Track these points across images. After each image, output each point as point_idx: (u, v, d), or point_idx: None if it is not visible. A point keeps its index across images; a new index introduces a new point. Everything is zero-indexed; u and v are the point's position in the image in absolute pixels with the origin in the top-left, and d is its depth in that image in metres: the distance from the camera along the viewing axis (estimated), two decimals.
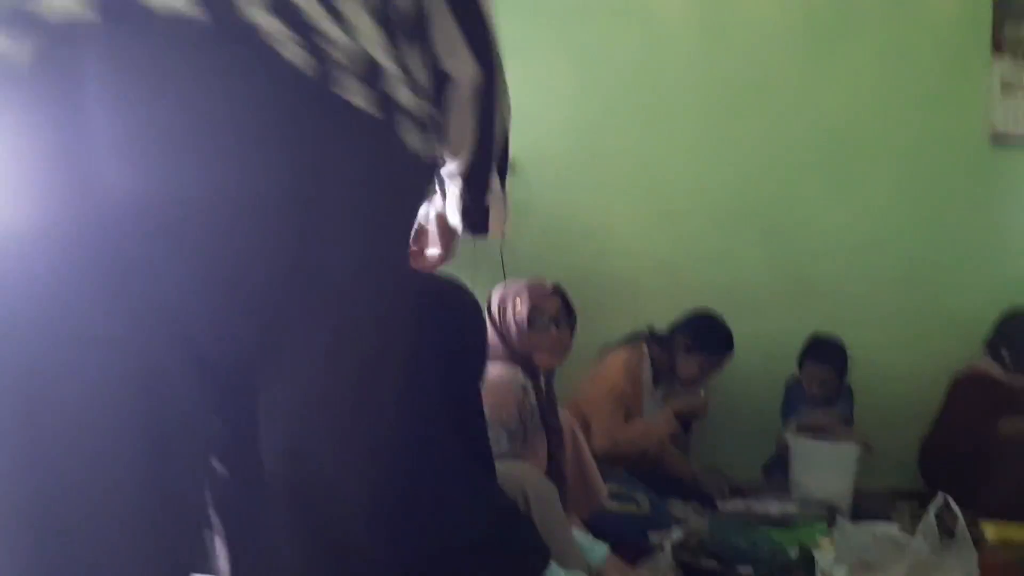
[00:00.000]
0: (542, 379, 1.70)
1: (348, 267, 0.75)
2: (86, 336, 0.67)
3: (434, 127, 0.90)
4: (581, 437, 1.79)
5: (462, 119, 0.99)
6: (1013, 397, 2.70)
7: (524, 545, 1.18)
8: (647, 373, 2.59)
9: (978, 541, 1.96)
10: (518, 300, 1.79)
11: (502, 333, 1.73)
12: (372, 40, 0.74)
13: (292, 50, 0.67)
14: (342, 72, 0.71)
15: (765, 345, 3.18)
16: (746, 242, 3.32)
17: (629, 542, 1.91)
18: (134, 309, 0.68)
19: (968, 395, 2.79)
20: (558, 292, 1.88)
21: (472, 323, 1.30)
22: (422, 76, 0.88)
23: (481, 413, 1.22)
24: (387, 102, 0.75)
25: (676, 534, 1.97)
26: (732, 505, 2.42)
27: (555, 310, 1.84)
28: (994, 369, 2.81)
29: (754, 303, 3.28)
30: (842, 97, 3.30)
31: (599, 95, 3.43)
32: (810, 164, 3.31)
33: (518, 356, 1.64)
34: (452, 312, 1.26)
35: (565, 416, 1.75)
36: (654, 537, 2.01)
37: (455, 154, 1.01)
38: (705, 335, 2.66)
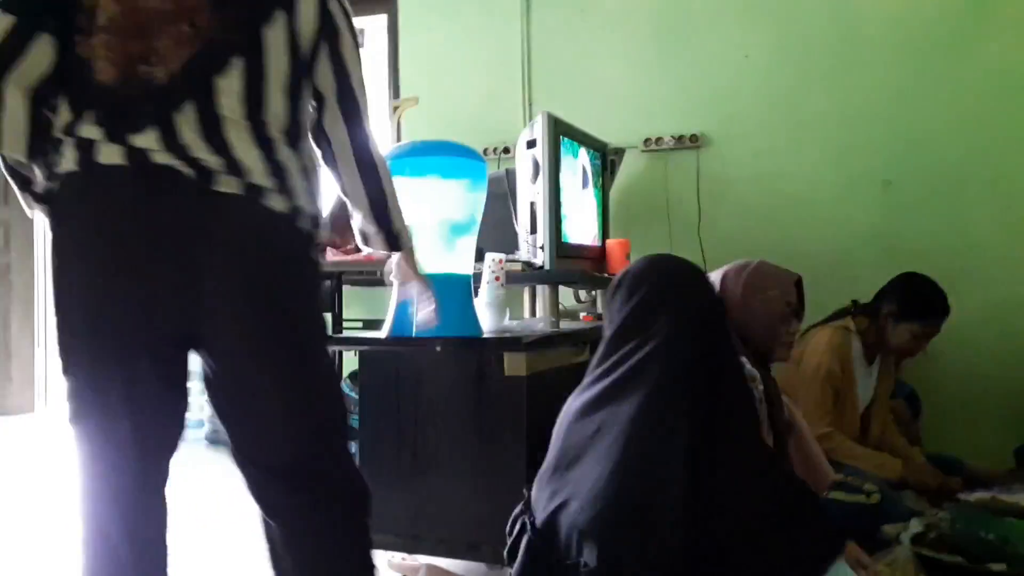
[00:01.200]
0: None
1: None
2: None
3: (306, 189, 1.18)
4: (804, 425, 1.70)
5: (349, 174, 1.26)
6: None
7: (816, 529, 1.16)
8: (856, 350, 2.39)
9: None
10: (777, 291, 1.69)
11: (744, 320, 1.62)
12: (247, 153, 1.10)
13: (185, 170, 1.06)
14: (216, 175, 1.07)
15: (1003, 316, 2.87)
16: (973, 203, 3.00)
17: (859, 534, 1.80)
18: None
19: None
20: (799, 282, 1.79)
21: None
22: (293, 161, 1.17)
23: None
24: (251, 187, 1.09)
25: (914, 526, 1.83)
26: (976, 496, 2.19)
27: (798, 302, 1.76)
28: None
29: (987, 270, 2.96)
30: None
31: (793, 60, 3.24)
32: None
33: (750, 345, 1.58)
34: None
35: (787, 404, 1.68)
36: (888, 529, 1.88)
37: (352, 199, 1.30)
38: (913, 300, 2.36)
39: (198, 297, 1.08)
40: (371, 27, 4.25)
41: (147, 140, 1.05)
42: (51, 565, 2.07)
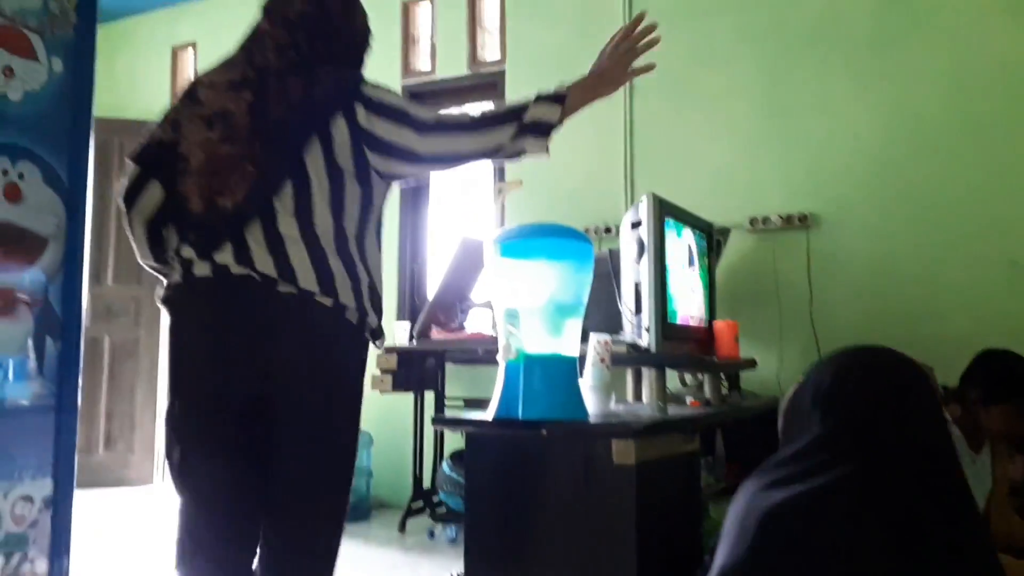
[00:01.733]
0: None
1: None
2: None
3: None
4: None
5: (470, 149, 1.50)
6: None
7: None
8: (958, 437, 2.20)
9: None
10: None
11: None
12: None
13: (255, 278, 1.33)
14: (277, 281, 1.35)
15: None
16: None
17: None
18: None
19: None
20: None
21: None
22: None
23: None
24: (302, 290, 1.34)
25: None
26: None
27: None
28: None
29: None
30: None
31: (907, 140, 3.15)
32: None
33: None
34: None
35: None
36: None
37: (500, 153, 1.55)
38: (997, 380, 2.17)
39: (267, 374, 1.34)
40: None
41: (225, 256, 1.34)
42: None
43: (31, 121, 1.67)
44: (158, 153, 1.42)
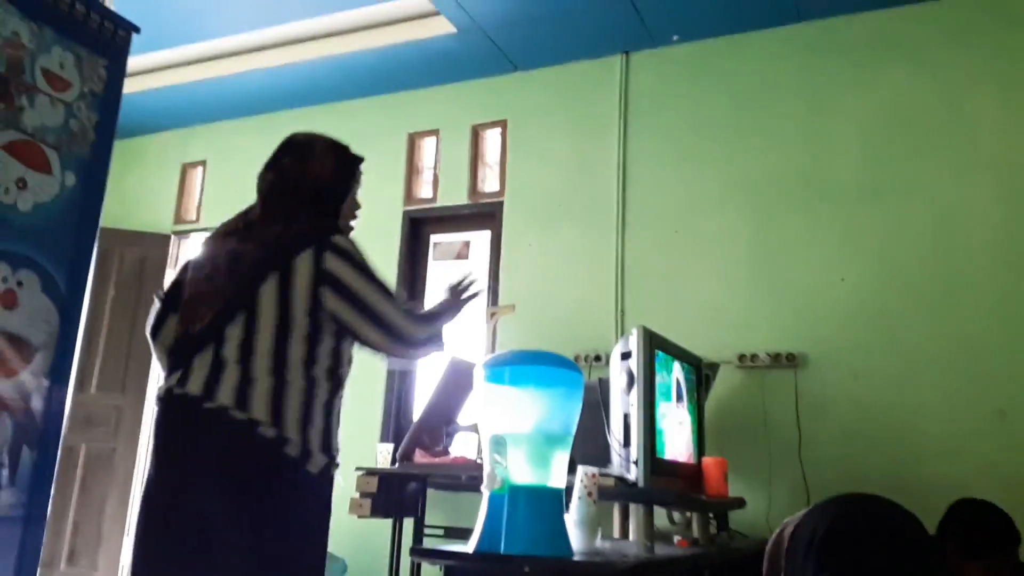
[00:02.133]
0: None
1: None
2: None
3: None
4: None
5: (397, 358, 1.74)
6: None
7: None
8: None
9: None
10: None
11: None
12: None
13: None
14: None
15: None
16: None
17: None
18: None
19: None
20: None
21: None
22: None
23: None
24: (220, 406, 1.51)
25: None
26: None
27: None
28: None
29: None
30: None
31: (893, 285, 3.24)
32: None
33: None
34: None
35: None
36: None
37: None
38: (973, 534, 2.09)
39: (195, 482, 1.49)
40: (476, 241, 4.55)
41: (172, 380, 1.55)
42: None
43: (37, 231, 1.71)
44: (175, 293, 1.69)
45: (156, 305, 1.72)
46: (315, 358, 1.57)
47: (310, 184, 1.77)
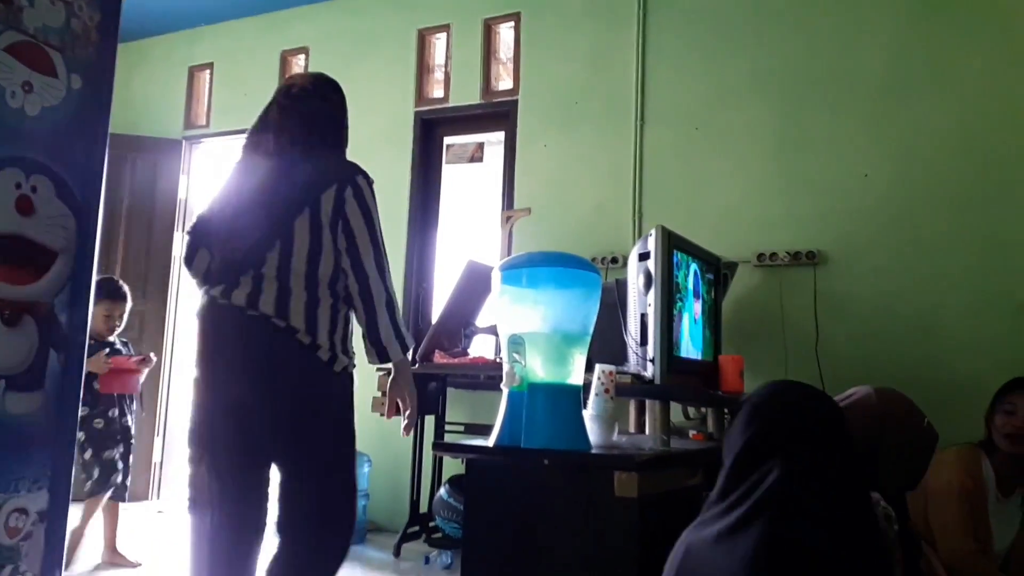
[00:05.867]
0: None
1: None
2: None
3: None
4: (937, 563, 1.55)
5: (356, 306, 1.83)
6: None
7: None
8: (988, 471, 2.26)
9: None
10: (925, 418, 1.62)
11: (888, 451, 1.53)
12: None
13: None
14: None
15: None
16: None
17: None
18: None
19: None
20: None
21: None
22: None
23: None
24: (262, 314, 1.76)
25: None
26: None
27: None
28: None
29: None
30: None
31: (917, 180, 3.16)
32: None
33: (891, 478, 1.47)
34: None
35: (924, 549, 1.54)
36: None
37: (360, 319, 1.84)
38: (999, 390, 2.37)
39: (240, 378, 1.76)
40: (491, 141, 4.47)
41: (217, 291, 1.81)
42: None
43: (47, 136, 1.68)
44: (203, 227, 1.90)
45: (187, 239, 1.93)
46: (336, 277, 1.81)
47: (340, 122, 1.99)
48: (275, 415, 1.74)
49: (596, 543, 1.53)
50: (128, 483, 3.16)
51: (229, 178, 1.94)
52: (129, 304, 3.39)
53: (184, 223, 4.86)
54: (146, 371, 3.34)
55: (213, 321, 1.80)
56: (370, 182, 1.88)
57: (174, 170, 4.88)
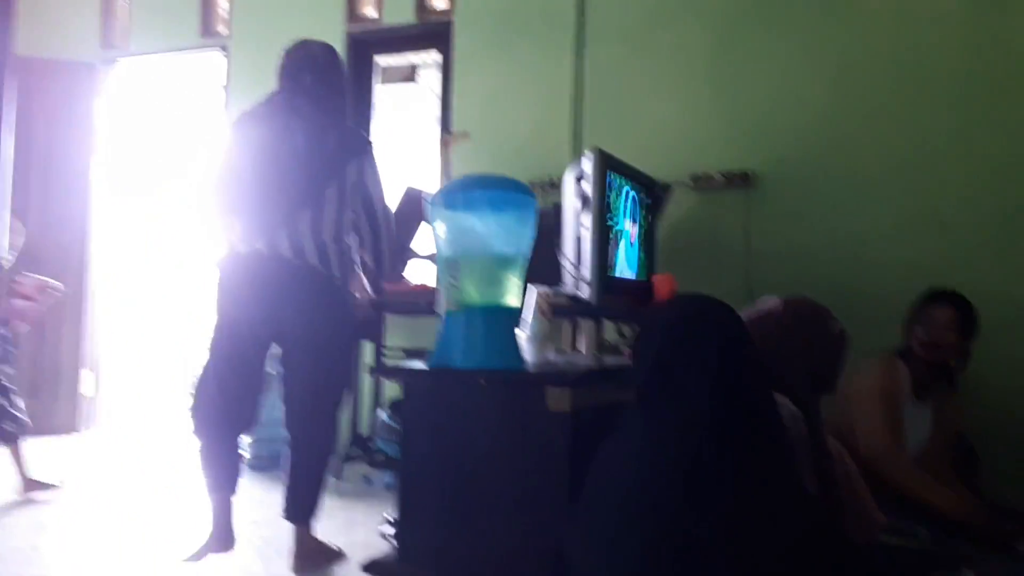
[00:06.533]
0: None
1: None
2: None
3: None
4: (851, 463, 1.66)
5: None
6: None
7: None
8: (905, 376, 2.43)
9: None
10: (836, 321, 1.70)
11: (800, 354, 1.61)
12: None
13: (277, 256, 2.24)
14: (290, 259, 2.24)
15: None
16: None
17: None
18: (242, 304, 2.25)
19: None
20: None
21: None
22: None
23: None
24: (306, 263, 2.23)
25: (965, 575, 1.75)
26: None
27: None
28: None
29: None
30: None
31: (851, 102, 3.22)
32: None
33: (803, 380, 1.55)
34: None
35: (832, 442, 1.64)
36: None
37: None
38: (916, 301, 2.53)
39: (282, 315, 2.21)
40: (425, 62, 4.35)
41: (260, 243, 2.21)
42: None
43: None
44: (235, 189, 2.25)
45: (222, 192, 2.26)
46: (350, 230, 2.31)
47: (348, 93, 2.43)
48: (312, 327, 2.21)
49: (530, 458, 1.59)
50: (20, 420, 2.99)
51: (260, 132, 2.24)
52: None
53: (101, 150, 4.65)
54: (46, 303, 3.20)
55: (255, 269, 2.19)
56: (374, 149, 2.35)
57: (89, 96, 4.62)
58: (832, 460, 1.56)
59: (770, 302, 1.74)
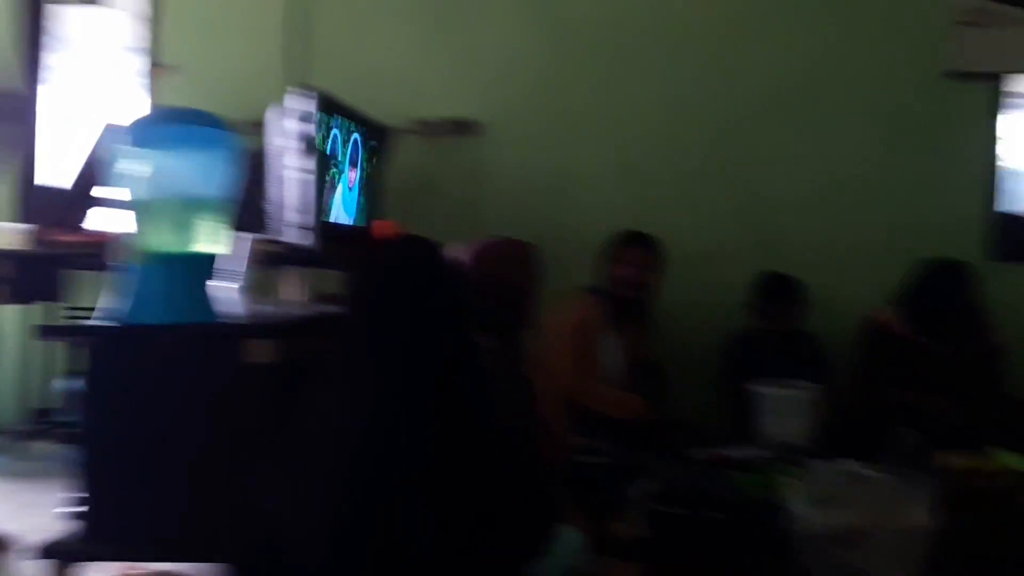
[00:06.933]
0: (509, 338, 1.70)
1: None
2: None
3: None
4: (550, 393, 1.80)
5: None
6: (908, 355, 2.69)
7: (539, 503, 1.21)
8: (601, 315, 2.67)
9: (938, 471, 2.03)
10: (527, 259, 1.76)
11: (495, 291, 1.69)
12: None
13: None
14: None
15: (727, 293, 3.18)
16: (711, 194, 3.33)
17: (601, 495, 1.94)
18: None
19: (866, 345, 2.80)
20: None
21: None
22: None
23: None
24: None
25: (646, 484, 1.99)
26: (701, 453, 2.45)
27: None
28: (895, 322, 2.75)
29: (721, 254, 3.30)
30: (803, 47, 3.29)
31: (565, 54, 3.40)
32: (770, 114, 3.31)
33: (499, 317, 1.63)
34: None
35: (531, 374, 1.76)
36: (624, 488, 2.03)
37: None
38: (622, 238, 2.75)
39: None
40: None
41: None
42: None
43: None
44: None
45: None
46: None
47: None
48: None
49: (229, 415, 1.52)
50: None
51: None
52: None
53: None
54: None
55: None
56: None
57: None
58: (529, 392, 1.67)
59: (471, 244, 1.79)
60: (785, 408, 2.72)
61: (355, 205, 2.64)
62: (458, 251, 1.78)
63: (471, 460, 1.13)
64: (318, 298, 2.16)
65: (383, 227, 2.66)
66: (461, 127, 3.38)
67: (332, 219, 2.40)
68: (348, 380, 1.18)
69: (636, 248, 2.72)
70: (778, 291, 2.95)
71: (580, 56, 3.40)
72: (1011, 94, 3.22)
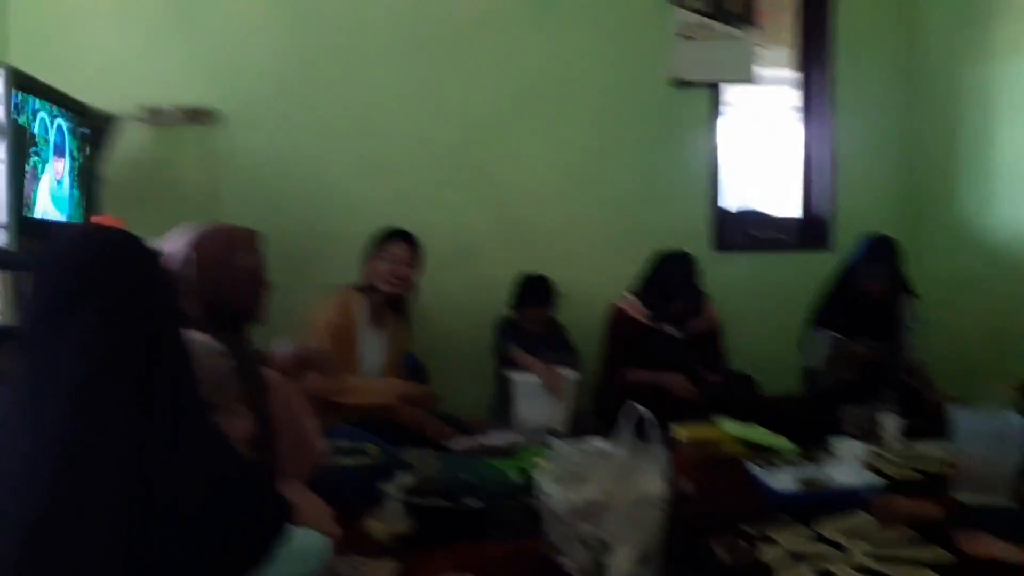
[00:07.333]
0: (241, 339, 1.57)
1: None
2: None
3: None
4: (292, 394, 1.69)
5: None
6: (645, 337, 2.91)
7: (263, 504, 1.09)
8: (363, 309, 2.63)
9: (670, 442, 2.22)
10: (254, 250, 1.61)
11: (219, 286, 1.54)
12: None
13: None
14: None
15: (484, 286, 3.28)
16: (460, 188, 3.39)
17: (362, 493, 1.88)
18: None
19: (609, 331, 3.01)
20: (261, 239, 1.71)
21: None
22: None
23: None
24: None
25: (404, 479, 1.96)
26: (461, 443, 2.48)
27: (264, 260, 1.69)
28: (633, 308, 2.97)
29: (470, 246, 3.37)
30: (544, 50, 3.44)
31: (308, 42, 3.25)
32: (516, 113, 3.43)
33: (225, 312, 1.49)
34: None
35: (272, 374, 1.64)
36: (384, 486, 1.98)
37: None
38: (384, 236, 2.74)
39: None
40: None
41: None
42: None
43: None
44: None
45: None
46: None
47: None
48: None
49: None
50: None
51: None
52: None
53: None
54: None
55: None
56: None
57: None
58: (267, 393, 1.56)
59: (180, 237, 1.63)
60: (539, 394, 2.86)
61: (67, 199, 2.32)
62: (176, 239, 1.61)
63: (176, 463, 1.01)
64: (16, 303, 1.86)
65: (103, 223, 2.36)
66: (195, 115, 3.12)
67: (32, 214, 2.09)
68: (30, 393, 1.00)
69: (396, 244, 2.69)
70: (532, 291, 3.08)
71: (325, 45, 3.28)
72: (725, 103, 3.63)
